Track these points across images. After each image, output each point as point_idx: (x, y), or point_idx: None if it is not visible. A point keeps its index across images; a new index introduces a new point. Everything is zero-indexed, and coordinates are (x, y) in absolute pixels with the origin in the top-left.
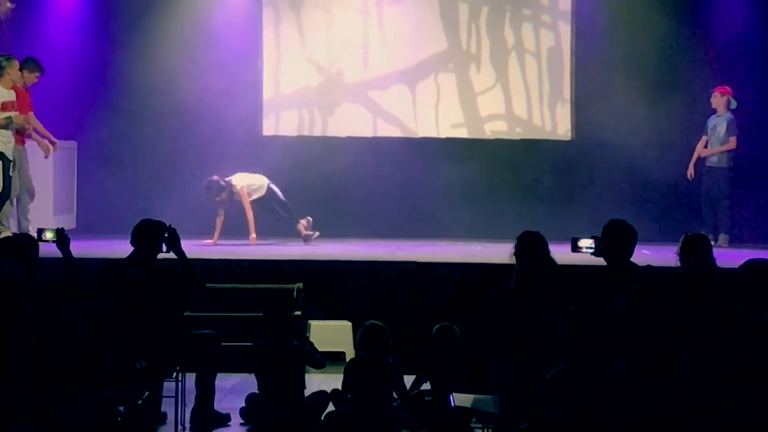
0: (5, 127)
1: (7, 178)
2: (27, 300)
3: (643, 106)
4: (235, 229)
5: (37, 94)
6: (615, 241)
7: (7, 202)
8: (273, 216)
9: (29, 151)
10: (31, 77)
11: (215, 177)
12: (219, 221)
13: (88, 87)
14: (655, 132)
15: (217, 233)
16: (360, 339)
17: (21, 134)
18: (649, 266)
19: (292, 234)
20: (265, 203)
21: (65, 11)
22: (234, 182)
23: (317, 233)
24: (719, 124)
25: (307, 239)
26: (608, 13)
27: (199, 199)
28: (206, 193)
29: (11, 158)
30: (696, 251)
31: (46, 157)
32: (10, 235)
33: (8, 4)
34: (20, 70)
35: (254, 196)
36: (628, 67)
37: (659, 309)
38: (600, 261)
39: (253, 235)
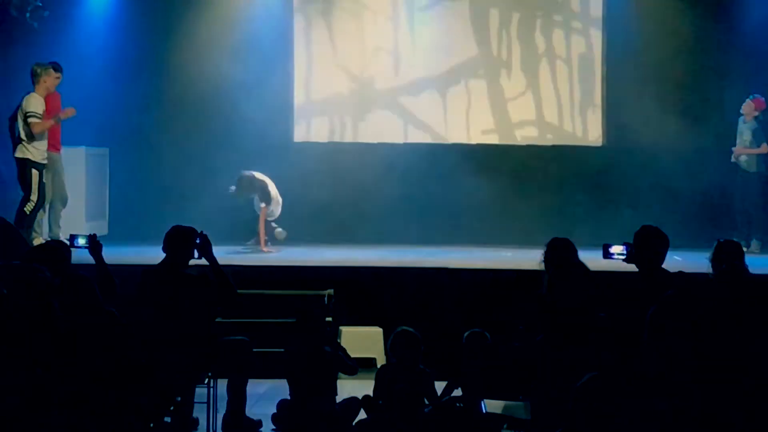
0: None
1: (41, 186)
2: (60, 306)
3: (674, 112)
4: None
5: (69, 101)
6: (647, 247)
7: (41, 212)
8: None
9: (63, 158)
10: (52, 79)
11: (249, 174)
12: (262, 227)
13: (120, 94)
14: (686, 137)
15: (262, 239)
16: (391, 345)
17: (55, 141)
18: (680, 272)
19: (313, 240)
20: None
21: (98, 18)
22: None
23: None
24: (745, 131)
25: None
26: (639, 19)
27: (231, 202)
28: (236, 187)
29: (45, 165)
30: (728, 257)
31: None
32: (43, 241)
33: (42, 12)
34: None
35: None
36: (659, 73)
37: (691, 315)
38: (632, 267)
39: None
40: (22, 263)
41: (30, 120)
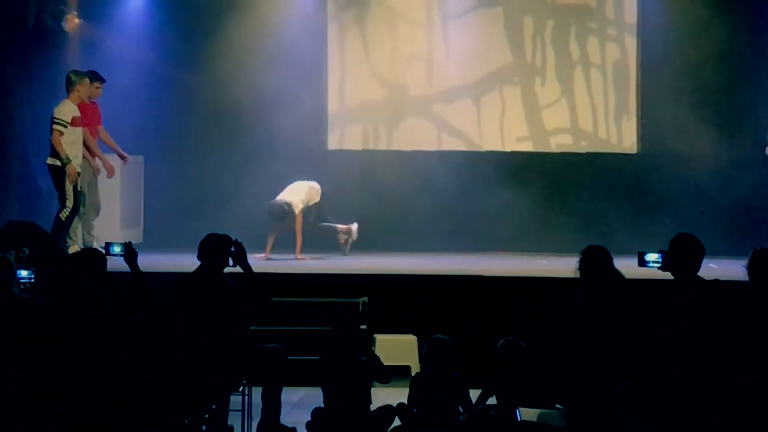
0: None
1: (77, 192)
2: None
3: (710, 119)
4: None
5: (104, 109)
6: (682, 255)
7: (76, 219)
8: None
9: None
10: (93, 89)
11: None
12: (271, 237)
13: (154, 102)
14: (722, 144)
15: (269, 248)
16: (426, 353)
17: (90, 149)
18: (716, 280)
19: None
20: (307, 211)
21: (133, 24)
22: (294, 207)
23: None
24: None
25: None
26: (674, 25)
27: (265, 214)
28: (268, 218)
29: (79, 172)
30: (765, 265)
31: (109, 177)
32: (78, 249)
33: (76, 20)
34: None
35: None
36: (694, 79)
37: (727, 323)
38: (667, 275)
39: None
40: (58, 271)
41: (53, 126)
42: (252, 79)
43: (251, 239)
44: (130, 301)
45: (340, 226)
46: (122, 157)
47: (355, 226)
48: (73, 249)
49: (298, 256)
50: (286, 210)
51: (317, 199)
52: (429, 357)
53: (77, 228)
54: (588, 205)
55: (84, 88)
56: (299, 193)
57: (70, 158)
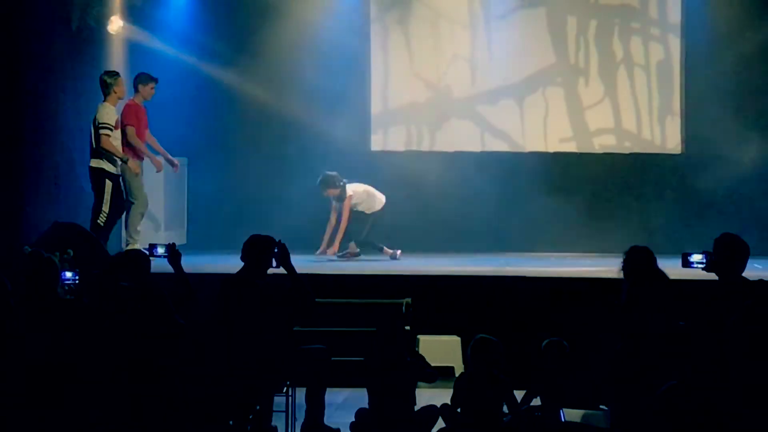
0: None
1: (115, 196)
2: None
3: (754, 118)
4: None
5: (148, 111)
6: (727, 255)
7: (139, 216)
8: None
9: (143, 167)
10: (147, 90)
11: (334, 173)
12: (329, 228)
13: (198, 103)
14: (766, 144)
15: (325, 241)
16: (471, 353)
17: (134, 150)
18: (761, 280)
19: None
20: (365, 217)
21: (176, 27)
22: (348, 190)
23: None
24: None
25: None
26: (718, 24)
27: (310, 210)
28: (320, 185)
29: (118, 176)
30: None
31: (158, 171)
32: (138, 247)
33: (120, 23)
34: (134, 86)
35: (360, 208)
36: (738, 79)
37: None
38: (712, 276)
39: (334, 249)
40: (102, 272)
41: (100, 132)
42: (295, 81)
43: (294, 241)
44: (168, 302)
45: (386, 249)
46: (172, 164)
47: (399, 252)
48: (131, 246)
49: (333, 249)
50: (339, 185)
51: (377, 208)
52: (473, 357)
53: (137, 226)
54: (632, 205)
55: (120, 88)
56: (361, 189)
57: (126, 156)
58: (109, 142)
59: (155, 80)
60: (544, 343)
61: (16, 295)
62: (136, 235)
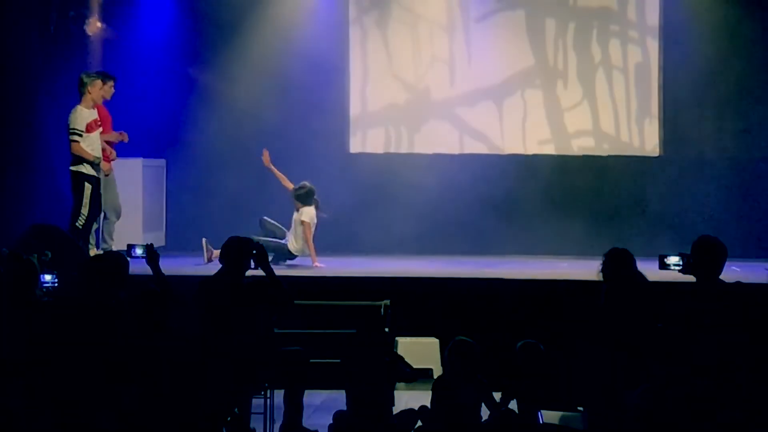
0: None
1: (93, 199)
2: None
3: (733, 120)
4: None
5: (126, 113)
6: (704, 257)
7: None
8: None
9: (121, 169)
10: (107, 89)
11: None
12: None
13: (176, 105)
14: (745, 146)
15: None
16: (449, 355)
17: (107, 153)
18: (738, 282)
19: (368, 251)
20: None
21: (154, 29)
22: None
23: None
24: None
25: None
26: (696, 27)
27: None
28: (303, 195)
29: (98, 178)
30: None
31: (106, 175)
32: (98, 252)
33: (98, 25)
34: None
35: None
36: (717, 81)
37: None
38: (689, 278)
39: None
40: (80, 275)
41: (70, 137)
42: (274, 83)
43: None
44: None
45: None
46: (123, 139)
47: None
48: (92, 252)
49: (315, 264)
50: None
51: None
52: (451, 359)
53: (96, 231)
54: (609, 207)
55: (96, 90)
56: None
57: (99, 158)
58: (79, 147)
59: (113, 78)
60: (518, 345)
61: None
62: (93, 240)
